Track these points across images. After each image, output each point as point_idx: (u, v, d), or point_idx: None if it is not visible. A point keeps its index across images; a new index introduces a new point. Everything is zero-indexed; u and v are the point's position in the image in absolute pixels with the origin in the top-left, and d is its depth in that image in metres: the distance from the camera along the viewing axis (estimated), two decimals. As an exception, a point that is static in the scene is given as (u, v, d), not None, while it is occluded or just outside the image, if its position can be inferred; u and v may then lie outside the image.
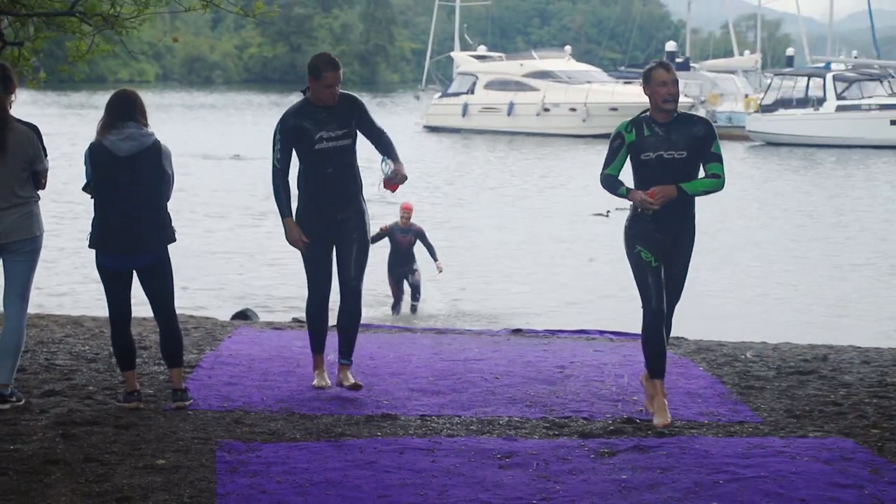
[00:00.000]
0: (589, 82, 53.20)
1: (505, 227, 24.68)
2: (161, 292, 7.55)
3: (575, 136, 50.27)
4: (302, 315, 13.33)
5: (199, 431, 6.96)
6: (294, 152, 7.80)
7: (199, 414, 7.37)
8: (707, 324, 12.75)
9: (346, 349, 7.96)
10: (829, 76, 48.25)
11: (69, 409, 7.36)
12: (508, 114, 52.84)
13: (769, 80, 53.32)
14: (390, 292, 15.28)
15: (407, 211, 15.08)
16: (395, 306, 15.25)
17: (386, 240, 15.04)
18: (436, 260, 15.00)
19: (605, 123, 50.60)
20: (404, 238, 15.02)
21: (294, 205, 7.89)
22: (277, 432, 7.01)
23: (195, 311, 12.39)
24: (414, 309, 15.15)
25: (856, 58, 65.52)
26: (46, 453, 6.40)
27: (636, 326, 12.10)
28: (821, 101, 47.40)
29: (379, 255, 14.46)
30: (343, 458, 6.56)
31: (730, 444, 7.00)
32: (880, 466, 6.56)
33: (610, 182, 7.24)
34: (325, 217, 7.81)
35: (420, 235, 15.09)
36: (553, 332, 11.52)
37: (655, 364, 7.24)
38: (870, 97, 47.20)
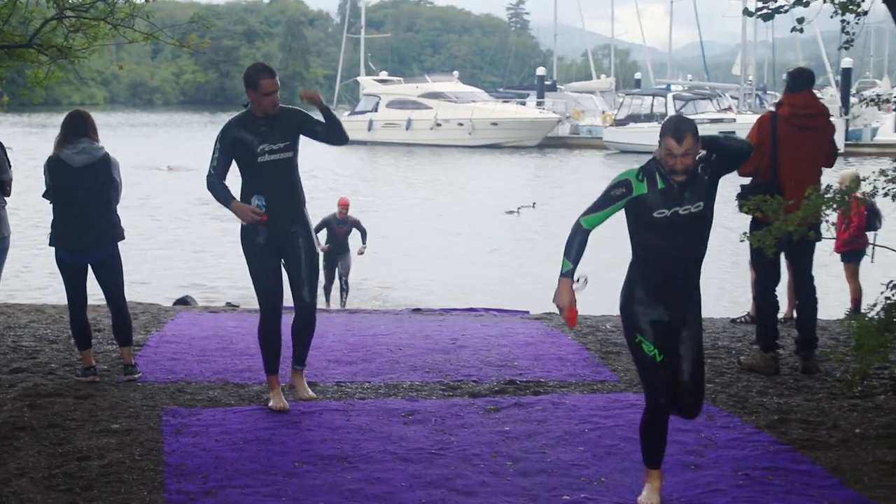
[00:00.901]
0: (474, 101, 53.35)
1: (410, 224, 24.64)
2: (112, 282, 7.44)
3: (463, 146, 50.33)
4: (233, 300, 13.26)
5: (147, 400, 6.87)
6: (236, 165, 6.64)
7: (147, 385, 7.26)
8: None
9: (301, 355, 6.87)
10: (669, 96, 49.00)
11: (34, 383, 7.21)
12: (407, 128, 52.75)
13: (621, 100, 53.91)
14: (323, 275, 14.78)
15: (344, 206, 14.62)
16: (328, 288, 14.62)
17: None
18: (363, 243, 14.53)
19: (487, 136, 50.98)
20: (340, 229, 14.56)
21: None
22: (215, 399, 6.94)
23: (142, 299, 12.17)
24: (342, 296, 14.66)
25: (690, 81, 66.55)
26: (15, 421, 6.28)
27: (516, 304, 12.27)
28: (664, 116, 47.94)
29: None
30: (271, 419, 6.51)
31: (593, 399, 7.08)
32: (714, 414, 6.70)
33: (574, 239, 5.02)
34: (271, 231, 6.57)
35: (356, 224, 14.58)
36: (447, 311, 11.51)
37: (652, 457, 5.23)
38: (703, 113, 47.92)
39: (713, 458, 5.90)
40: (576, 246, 5.01)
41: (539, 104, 57.08)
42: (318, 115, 6.80)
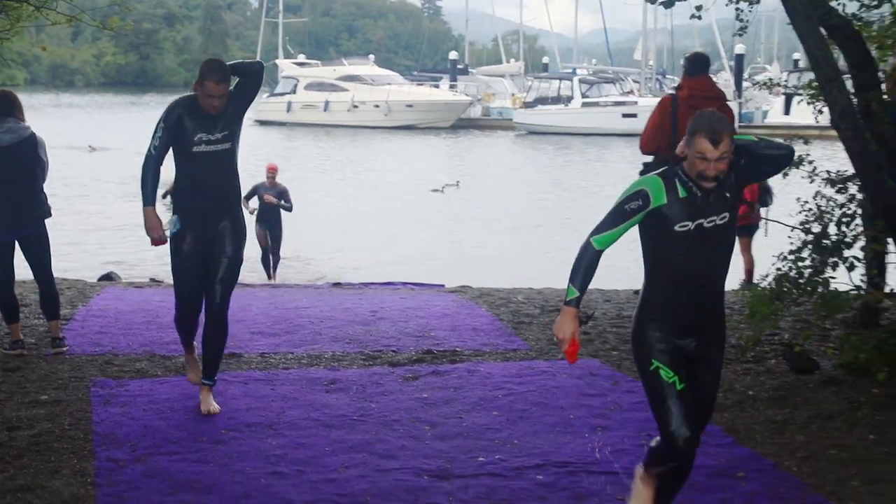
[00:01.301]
0: (389, 84, 53.19)
1: (336, 202, 24.49)
2: (40, 258, 7.31)
3: (379, 127, 50.19)
4: (157, 275, 13.08)
5: (75, 372, 6.77)
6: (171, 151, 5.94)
7: (74, 358, 7.16)
8: (487, 275, 12.96)
9: (209, 369, 6.07)
10: (575, 80, 49.39)
11: (-38, 357, 7.07)
12: (325, 110, 52.39)
13: (530, 83, 54.19)
14: (258, 242, 13.71)
15: (272, 171, 13.76)
16: (265, 255, 13.83)
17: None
18: (283, 207, 13.73)
19: (403, 117, 50.92)
20: (270, 196, 13.71)
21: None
22: (142, 370, 6.88)
23: (68, 274, 11.95)
24: (273, 270, 13.81)
25: (595, 65, 67.13)
26: (-56, 395, 6.15)
27: (432, 279, 12.31)
28: (570, 99, 48.47)
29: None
30: (198, 390, 6.47)
31: (506, 366, 7.17)
32: (619, 379, 6.84)
33: (581, 262, 4.14)
34: (199, 226, 5.90)
35: (283, 195, 13.73)
36: (366, 284, 11.52)
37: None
38: (607, 96, 48.47)
39: (619, 420, 6.03)
40: (583, 270, 4.13)
41: (452, 87, 57.13)
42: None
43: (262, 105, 54.20)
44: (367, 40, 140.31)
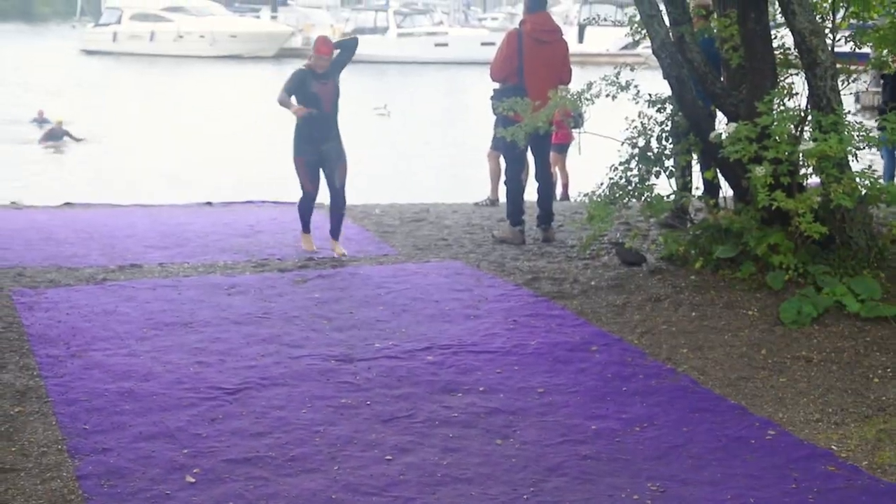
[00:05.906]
0: (213, 15, 51.80)
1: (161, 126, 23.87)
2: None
3: (205, 57, 48.87)
4: (18, 200, 12.72)
5: (-10, 284, 6.81)
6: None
7: (-15, 272, 7.16)
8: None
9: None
10: (390, 11, 49.42)
11: None
12: (151, 40, 50.58)
13: (347, 15, 53.83)
14: (300, 183, 8.05)
15: (325, 53, 7.73)
16: (307, 200, 8.07)
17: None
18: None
19: (228, 47, 49.72)
20: (324, 87, 7.76)
21: None
22: (55, 281, 6.97)
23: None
24: (335, 230, 8.11)
25: (407, -2, 66.99)
26: None
27: (288, 197, 12.30)
28: (386, 30, 48.53)
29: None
30: (111, 296, 6.65)
31: (382, 269, 7.61)
32: (480, 276, 7.39)
33: None
34: None
35: (340, 65, 7.87)
36: (229, 203, 11.53)
37: None
38: (419, 27, 48.76)
39: (487, 310, 6.60)
40: None
41: (273, 18, 56.11)
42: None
43: (89, 35, 51.86)
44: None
